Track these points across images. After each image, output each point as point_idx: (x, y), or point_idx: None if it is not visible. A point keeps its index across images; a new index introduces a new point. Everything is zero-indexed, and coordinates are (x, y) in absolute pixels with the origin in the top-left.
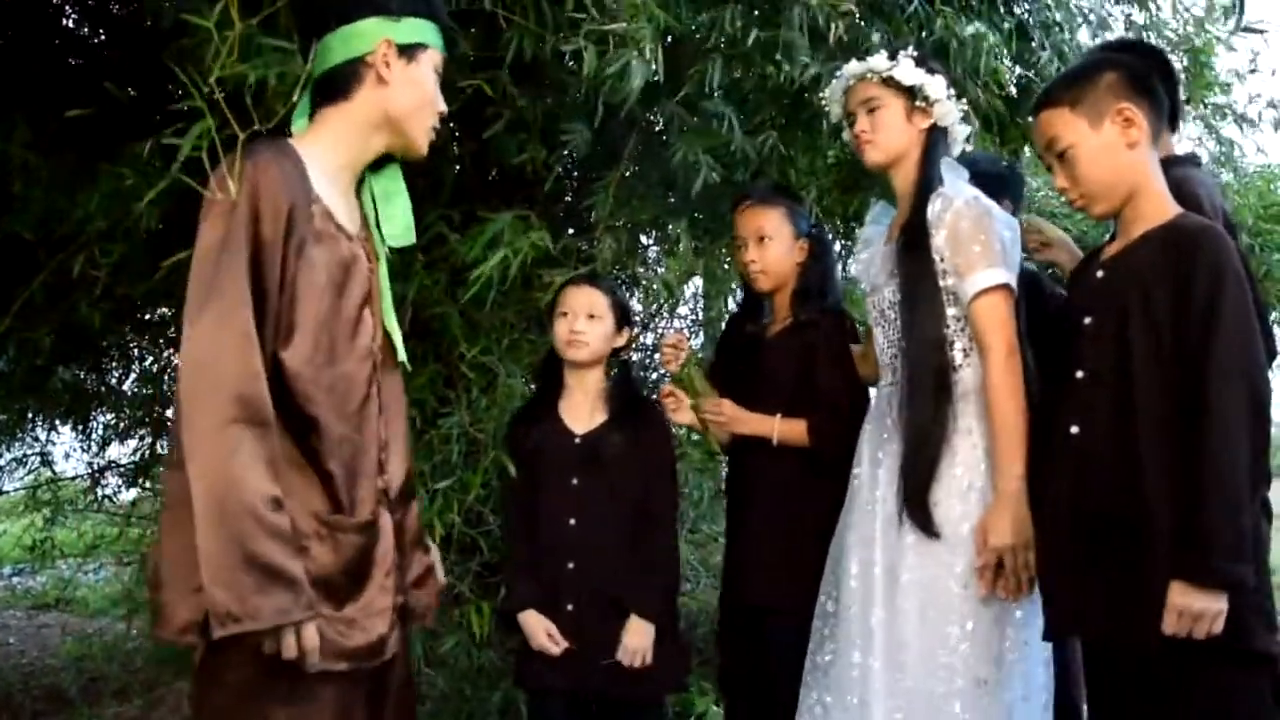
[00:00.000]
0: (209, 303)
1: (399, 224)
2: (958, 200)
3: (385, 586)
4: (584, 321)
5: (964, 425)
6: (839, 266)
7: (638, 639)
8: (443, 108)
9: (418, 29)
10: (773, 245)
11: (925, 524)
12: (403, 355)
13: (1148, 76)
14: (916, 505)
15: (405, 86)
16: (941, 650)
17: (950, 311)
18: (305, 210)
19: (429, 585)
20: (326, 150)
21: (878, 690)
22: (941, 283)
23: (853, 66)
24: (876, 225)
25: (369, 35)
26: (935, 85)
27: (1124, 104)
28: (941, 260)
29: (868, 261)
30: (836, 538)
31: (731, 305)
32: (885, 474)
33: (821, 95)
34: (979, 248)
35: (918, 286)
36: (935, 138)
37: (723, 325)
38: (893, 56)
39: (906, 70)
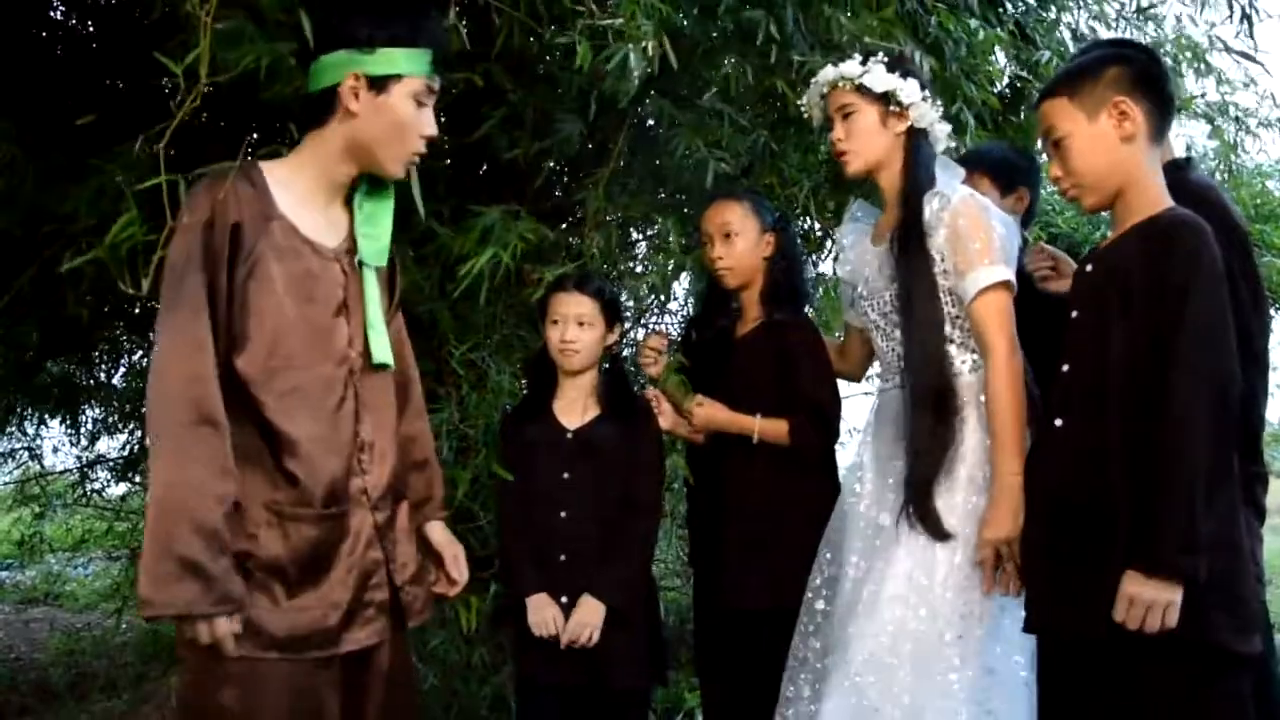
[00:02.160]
0: (167, 316)
1: (376, 245)
2: (955, 198)
3: (346, 583)
4: (574, 330)
5: (971, 426)
6: (821, 261)
7: (587, 616)
8: (429, 132)
9: (391, 60)
10: (739, 241)
11: (935, 529)
12: (383, 357)
13: (1152, 74)
14: (924, 510)
15: (374, 117)
16: (934, 650)
17: (952, 312)
18: (261, 226)
19: (423, 582)
20: (296, 172)
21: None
22: (942, 283)
23: (826, 73)
24: (856, 223)
25: (338, 68)
26: (909, 89)
27: (1121, 98)
28: (942, 260)
29: (856, 262)
30: (830, 538)
31: None
32: (887, 479)
33: (801, 104)
34: (979, 245)
35: (917, 289)
36: (917, 140)
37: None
38: (865, 62)
39: (878, 76)
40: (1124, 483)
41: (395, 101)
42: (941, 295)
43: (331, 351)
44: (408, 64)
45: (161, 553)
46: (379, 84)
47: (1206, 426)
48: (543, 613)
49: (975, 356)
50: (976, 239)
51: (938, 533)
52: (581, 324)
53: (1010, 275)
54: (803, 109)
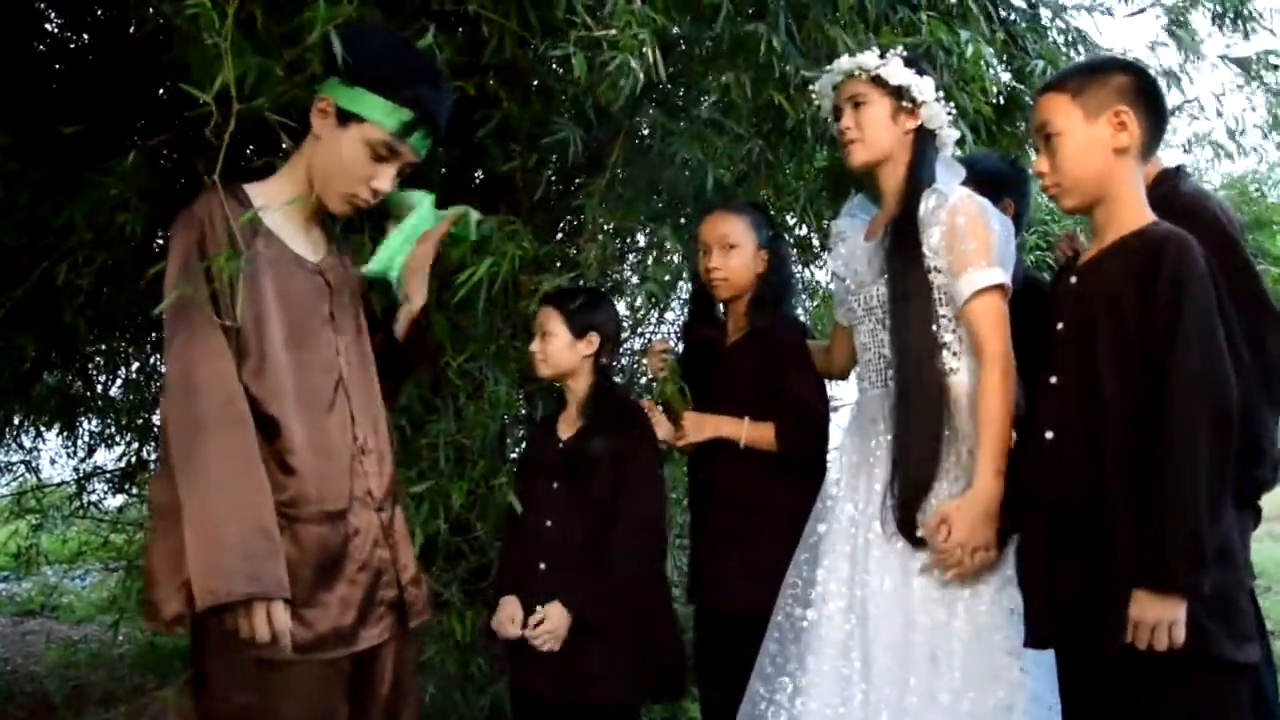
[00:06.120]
0: (180, 327)
1: (376, 260)
2: (952, 197)
3: (356, 580)
4: (538, 341)
5: (955, 430)
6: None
7: (549, 624)
8: (378, 185)
9: (360, 99)
10: (737, 254)
11: (914, 538)
12: (377, 268)
13: (1155, 92)
14: (907, 520)
15: (330, 146)
16: (935, 657)
17: (941, 312)
18: (249, 240)
19: (422, 584)
20: (279, 191)
21: (872, 697)
22: (933, 281)
23: (843, 62)
24: (852, 218)
25: (325, 85)
26: (923, 86)
27: (1123, 107)
28: (935, 258)
29: (849, 256)
30: (807, 542)
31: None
32: (867, 482)
33: (813, 90)
34: (974, 245)
35: (909, 286)
36: (924, 140)
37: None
38: (883, 55)
39: (895, 70)
40: (1124, 498)
41: (347, 138)
42: (934, 294)
43: (319, 359)
44: (374, 111)
45: (216, 543)
46: (344, 117)
47: (1206, 440)
48: (502, 612)
49: (956, 359)
50: (973, 239)
51: (916, 540)
52: (545, 334)
53: (1006, 278)
54: (814, 95)
